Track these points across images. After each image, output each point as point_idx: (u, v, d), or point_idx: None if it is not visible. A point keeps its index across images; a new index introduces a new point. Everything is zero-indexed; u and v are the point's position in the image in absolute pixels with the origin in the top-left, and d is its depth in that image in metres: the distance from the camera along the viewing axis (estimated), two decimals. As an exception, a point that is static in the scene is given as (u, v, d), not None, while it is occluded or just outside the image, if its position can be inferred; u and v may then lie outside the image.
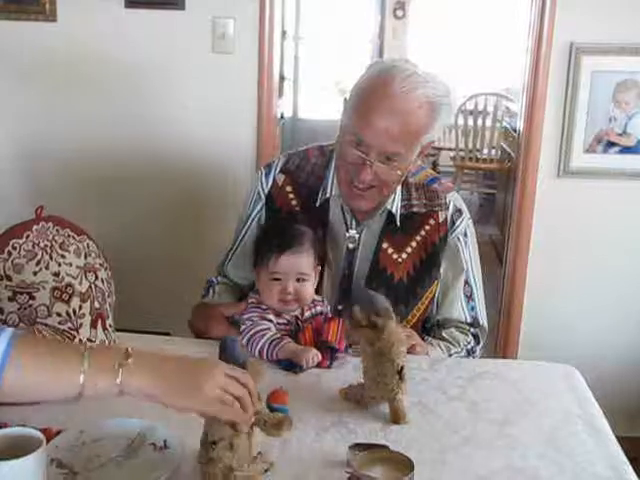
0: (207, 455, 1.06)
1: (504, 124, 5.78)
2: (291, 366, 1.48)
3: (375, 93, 1.57)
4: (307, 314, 1.61)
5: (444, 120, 1.63)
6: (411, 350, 1.56)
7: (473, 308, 1.80)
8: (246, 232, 1.83)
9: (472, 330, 1.80)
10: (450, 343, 1.76)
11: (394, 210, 1.73)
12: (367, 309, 1.29)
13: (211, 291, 1.83)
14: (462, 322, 1.80)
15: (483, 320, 1.83)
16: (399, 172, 1.64)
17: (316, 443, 1.23)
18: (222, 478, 1.05)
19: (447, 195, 1.78)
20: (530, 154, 2.74)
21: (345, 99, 1.67)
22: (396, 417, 1.30)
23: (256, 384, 1.09)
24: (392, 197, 1.73)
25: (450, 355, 1.73)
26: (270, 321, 1.57)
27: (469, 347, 1.77)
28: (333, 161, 1.75)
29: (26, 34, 2.77)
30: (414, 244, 1.74)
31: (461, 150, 6.19)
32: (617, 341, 2.86)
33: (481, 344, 1.81)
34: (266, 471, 1.09)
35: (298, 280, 1.59)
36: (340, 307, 1.71)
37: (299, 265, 1.59)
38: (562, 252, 2.82)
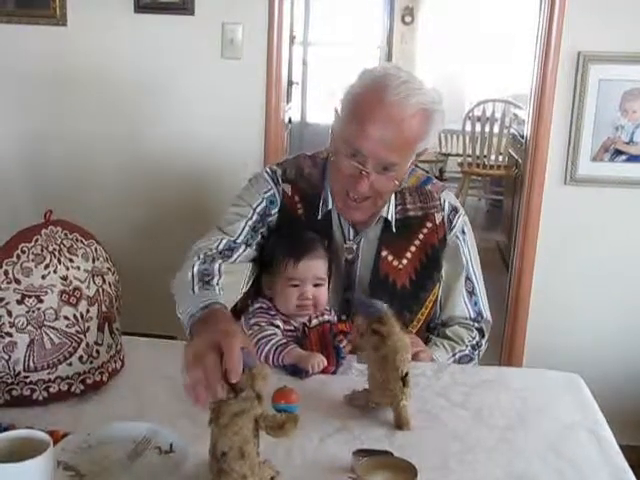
0: (218, 466, 1.04)
1: (512, 131, 5.78)
2: (296, 371, 1.48)
3: (369, 102, 1.55)
4: (315, 321, 1.61)
5: (438, 127, 1.61)
6: (415, 357, 1.56)
7: (476, 303, 1.80)
8: (254, 227, 1.72)
9: (476, 325, 1.80)
10: (454, 341, 1.76)
11: (389, 217, 1.72)
12: (368, 317, 1.30)
13: (216, 280, 1.59)
14: (466, 318, 1.80)
15: (486, 313, 1.83)
16: (396, 182, 1.63)
17: (320, 448, 1.23)
18: None
19: (441, 195, 1.77)
20: (537, 161, 2.75)
21: (336, 109, 1.64)
22: (400, 423, 1.30)
23: (262, 388, 1.09)
24: (386, 204, 1.72)
25: (455, 354, 1.73)
26: (277, 327, 1.57)
27: (474, 342, 1.77)
28: (328, 172, 1.73)
29: (37, 38, 2.80)
30: (413, 249, 1.74)
31: (469, 156, 6.18)
32: (622, 349, 2.86)
33: (486, 337, 1.81)
34: (272, 479, 1.09)
35: (315, 285, 1.60)
36: (344, 317, 1.70)
37: (317, 269, 1.61)
38: (568, 259, 2.82)
